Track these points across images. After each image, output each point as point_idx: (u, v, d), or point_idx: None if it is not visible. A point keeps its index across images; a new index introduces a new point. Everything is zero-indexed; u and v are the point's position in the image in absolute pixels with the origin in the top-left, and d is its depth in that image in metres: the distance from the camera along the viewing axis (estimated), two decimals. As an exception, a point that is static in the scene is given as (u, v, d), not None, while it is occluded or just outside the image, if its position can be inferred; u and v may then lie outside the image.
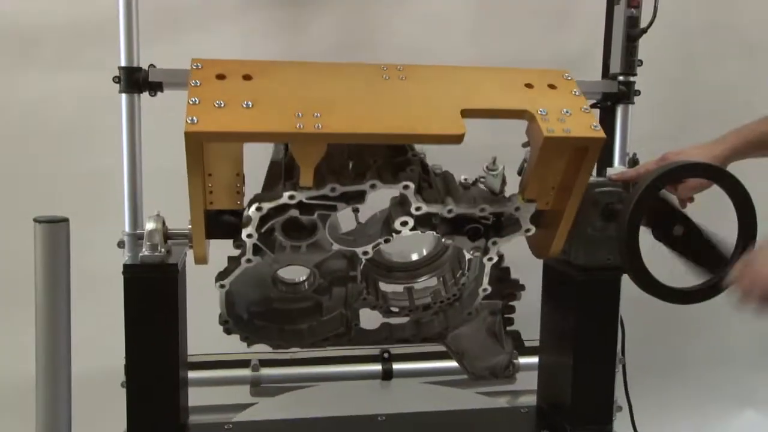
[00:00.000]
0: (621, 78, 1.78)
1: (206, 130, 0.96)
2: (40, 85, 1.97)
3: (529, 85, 1.13)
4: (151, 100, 1.63)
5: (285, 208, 1.11)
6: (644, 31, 1.74)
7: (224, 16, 2.05)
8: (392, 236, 1.20)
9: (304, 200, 1.10)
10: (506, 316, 1.39)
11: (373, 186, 1.10)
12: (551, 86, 1.13)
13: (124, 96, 1.60)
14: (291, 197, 1.09)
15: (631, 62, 1.77)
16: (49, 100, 1.98)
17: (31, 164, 1.99)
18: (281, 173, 1.16)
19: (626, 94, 1.78)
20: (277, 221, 1.13)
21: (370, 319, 1.37)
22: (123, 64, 1.59)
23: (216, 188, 1.12)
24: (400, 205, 1.16)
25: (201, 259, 1.17)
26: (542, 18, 2.23)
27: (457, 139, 1.04)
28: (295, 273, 1.33)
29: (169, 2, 1.99)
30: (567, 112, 1.08)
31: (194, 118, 0.96)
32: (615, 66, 1.79)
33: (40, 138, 1.99)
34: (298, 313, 1.34)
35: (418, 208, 1.13)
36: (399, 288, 1.39)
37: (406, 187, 1.11)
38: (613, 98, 1.79)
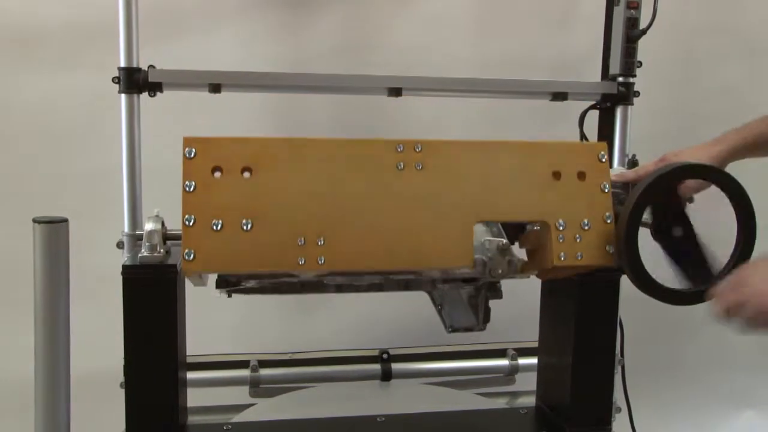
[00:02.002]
0: (620, 79, 1.78)
1: (204, 270, 0.95)
2: (40, 85, 1.97)
3: (556, 175, 1.05)
4: (151, 99, 1.63)
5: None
6: (643, 32, 1.74)
7: (225, 17, 2.05)
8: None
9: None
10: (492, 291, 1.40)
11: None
12: (580, 175, 1.05)
13: (123, 96, 1.60)
14: (290, 276, 1.09)
15: (630, 63, 1.77)
16: (49, 100, 1.98)
17: (30, 164, 1.99)
18: None
19: (626, 95, 1.78)
20: None
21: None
22: (122, 64, 1.59)
23: None
24: None
25: (199, 284, 1.18)
26: (542, 19, 2.23)
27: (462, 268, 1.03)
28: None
29: (170, 3, 2.00)
30: (587, 225, 1.02)
31: (191, 252, 0.93)
32: (614, 67, 1.79)
33: (40, 138, 1.99)
34: None
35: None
36: None
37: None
38: (613, 99, 1.80)
